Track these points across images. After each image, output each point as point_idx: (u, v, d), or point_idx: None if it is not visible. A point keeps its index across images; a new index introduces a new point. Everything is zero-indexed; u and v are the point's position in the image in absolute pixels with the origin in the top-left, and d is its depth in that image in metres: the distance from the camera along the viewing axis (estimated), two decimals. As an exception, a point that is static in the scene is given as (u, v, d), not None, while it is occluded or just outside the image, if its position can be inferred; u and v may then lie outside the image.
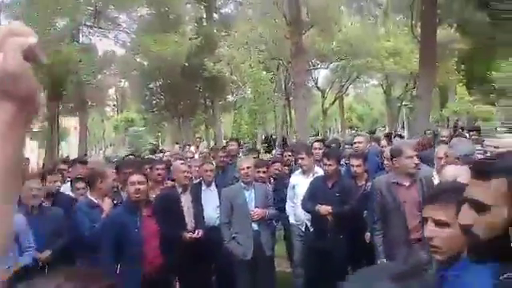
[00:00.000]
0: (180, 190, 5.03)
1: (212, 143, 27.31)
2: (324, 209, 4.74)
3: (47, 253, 4.08)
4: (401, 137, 8.35)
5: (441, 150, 4.63)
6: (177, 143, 18.59)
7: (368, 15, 24.89)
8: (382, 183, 4.20)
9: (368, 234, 4.98)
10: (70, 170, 6.48)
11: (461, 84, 25.04)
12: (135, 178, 3.95)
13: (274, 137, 24.98)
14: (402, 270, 0.88)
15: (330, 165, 4.86)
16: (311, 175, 5.38)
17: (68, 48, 16.47)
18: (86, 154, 20.00)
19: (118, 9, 21.90)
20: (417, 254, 3.83)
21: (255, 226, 4.76)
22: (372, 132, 19.81)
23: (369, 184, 5.05)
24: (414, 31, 15.50)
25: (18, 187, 0.77)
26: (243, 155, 7.75)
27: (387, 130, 27.43)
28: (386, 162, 5.10)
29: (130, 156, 10.76)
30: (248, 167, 4.78)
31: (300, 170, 5.61)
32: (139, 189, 3.87)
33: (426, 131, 8.94)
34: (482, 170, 1.28)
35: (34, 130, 28.90)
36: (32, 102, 0.74)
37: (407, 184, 4.08)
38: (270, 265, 5.01)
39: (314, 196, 4.92)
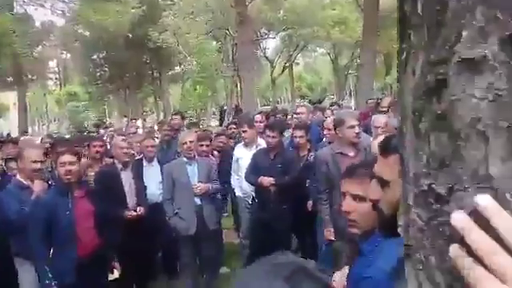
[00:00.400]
0: (120, 166, 4.88)
1: (162, 116, 26.80)
2: (266, 180, 4.75)
3: None
4: (339, 106, 8.41)
5: (377, 120, 4.70)
6: (125, 116, 18.04)
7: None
8: (327, 154, 4.21)
9: (310, 203, 5.06)
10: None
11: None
12: (65, 158, 3.73)
13: (225, 108, 24.78)
14: (294, 269, 0.85)
15: (272, 136, 4.84)
16: (254, 147, 5.36)
17: (1, 18, 15.34)
18: (25, 131, 19.04)
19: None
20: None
21: (198, 201, 4.69)
22: (320, 101, 20.04)
23: (311, 154, 5.05)
24: (358, 0, 15.59)
25: None
26: (186, 129, 7.58)
27: (335, 99, 27.91)
28: (325, 131, 5.11)
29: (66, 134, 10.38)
30: (190, 141, 4.67)
31: (243, 142, 5.58)
32: (70, 170, 3.67)
33: (367, 100, 9.09)
34: (385, 146, 1.30)
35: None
36: None
37: (352, 154, 4.09)
38: (216, 238, 4.99)
39: (256, 168, 4.92)
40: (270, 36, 26.06)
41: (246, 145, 5.49)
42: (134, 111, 26.66)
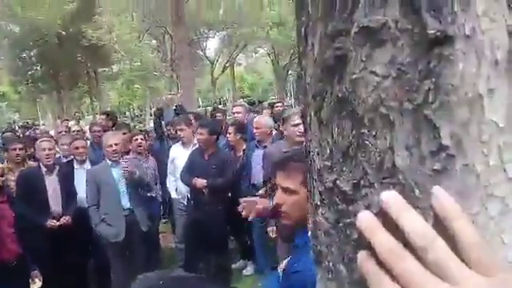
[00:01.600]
0: (45, 170, 4.58)
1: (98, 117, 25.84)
2: (199, 182, 4.66)
3: None
4: (273, 107, 8.40)
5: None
6: (59, 118, 17.19)
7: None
8: (275, 153, 4.18)
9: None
10: None
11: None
12: None
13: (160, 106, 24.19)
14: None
15: (200, 133, 4.74)
16: (191, 147, 5.23)
17: None
18: None
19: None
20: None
21: (127, 205, 4.49)
22: (261, 102, 20.13)
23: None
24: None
25: None
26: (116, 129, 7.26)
27: (276, 100, 28.17)
28: (254, 130, 5.12)
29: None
30: (115, 144, 4.44)
31: (180, 141, 5.46)
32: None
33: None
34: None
35: None
36: None
37: None
38: (150, 242, 4.80)
39: (191, 168, 4.83)
40: (210, 35, 25.91)
41: (183, 144, 5.37)
42: (69, 112, 25.47)
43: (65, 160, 5.43)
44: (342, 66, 0.45)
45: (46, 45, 24.14)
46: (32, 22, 19.32)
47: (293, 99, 25.75)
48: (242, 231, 5.40)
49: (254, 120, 5.41)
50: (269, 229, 4.32)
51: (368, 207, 0.44)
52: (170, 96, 8.75)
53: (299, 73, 0.56)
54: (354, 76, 0.43)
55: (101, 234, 4.40)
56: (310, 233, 0.60)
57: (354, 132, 0.45)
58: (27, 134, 11.76)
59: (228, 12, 21.09)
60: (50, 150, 4.62)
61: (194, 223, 4.83)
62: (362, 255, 0.42)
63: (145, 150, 5.51)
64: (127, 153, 5.34)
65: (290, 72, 30.60)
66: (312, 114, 0.51)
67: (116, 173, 4.45)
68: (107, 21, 20.15)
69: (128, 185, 4.45)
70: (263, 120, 5.24)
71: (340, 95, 0.45)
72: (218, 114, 8.58)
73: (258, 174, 4.80)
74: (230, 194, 4.95)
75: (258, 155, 4.84)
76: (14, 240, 3.66)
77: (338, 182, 0.47)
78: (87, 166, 5.06)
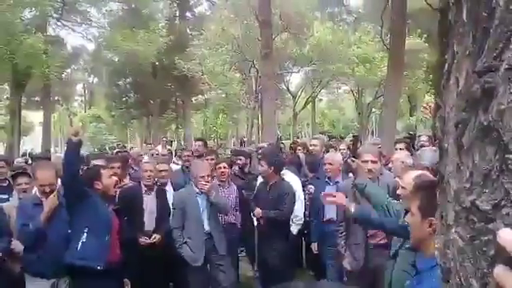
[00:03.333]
0: (144, 189, 4.96)
1: (182, 143, 27.01)
2: (256, 211, 4.81)
3: None
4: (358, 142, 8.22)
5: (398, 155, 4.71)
6: (145, 142, 18.25)
7: (340, 22, 25.11)
8: (347, 186, 4.20)
9: (315, 245, 5.22)
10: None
11: (428, 93, 25.57)
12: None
13: (244, 139, 24.87)
14: None
15: (261, 165, 4.88)
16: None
17: (32, 39, 15.88)
18: (48, 150, 19.40)
19: (88, 2, 21.35)
20: (373, 258, 3.94)
21: (207, 228, 4.63)
22: (342, 137, 19.92)
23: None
24: (383, 39, 15.67)
25: None
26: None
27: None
28: (326, 166, 5.12)
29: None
30: (208, 175, 4.59)
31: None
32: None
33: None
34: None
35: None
36: None
37: None
38: (228, 266, 4.81)
39: (256, 198, 5.00)
40: (294, 70, 26.36)
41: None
42: (155, 137, 26.96)
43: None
44: (489, 98, 0.50)
45: (141, 74, 26.00)
46: (130, 52, 20.87)
47: (374, 136, 25.16)
48: (318, 265, 5.38)
49: (326, 156, 5.44)
50: (344, 262, 4.23)
51: (508, 226, 0.47)
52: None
53: (436, 104, 0.62)
54: (502, 107, 0.48)
55: (182, 257, 4.53)
56: (437, 252, 0.64)
57: (497, 157, 0.49)
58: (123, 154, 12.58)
59: (314, 48, 21.38)
60: (151, 171, 4.97)
61: (261, 253, 4.93)
62: (499, 269, 0.46)
63: (228, 177, 5.65)
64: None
65: (373, 110, 30.10)
66: (451, 140, 0.57)
67: (201, 199, 4.61)
68: (198, 53, 21.29)
69: (209, 209, 4.60)
70: (334, 156, 5.22)
71: (485, 123, 0.50)
72: (298, 148, 8.64)
73: (330, 211, 4.80)
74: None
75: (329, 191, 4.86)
76: (118, 246, 3.93)
77: (477, 202, 0.52)
78: (169, 188, 5.34)
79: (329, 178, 5.07)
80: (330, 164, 5.01)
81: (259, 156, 5.56)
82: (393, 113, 12.10)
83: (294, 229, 5.18)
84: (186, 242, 4.55)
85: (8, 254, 3.99)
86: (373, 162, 4.06)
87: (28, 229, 3.72)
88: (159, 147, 13.47)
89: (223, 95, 20.97)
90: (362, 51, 21.46)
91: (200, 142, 7.60)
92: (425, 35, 21.39)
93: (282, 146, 9.42)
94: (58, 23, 21.85)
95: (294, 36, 20.47)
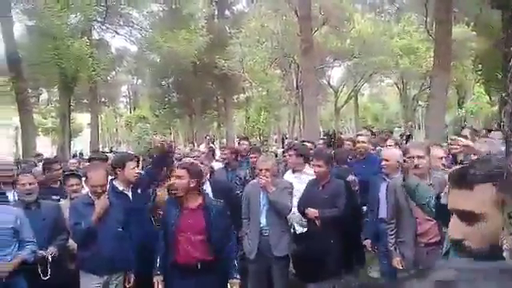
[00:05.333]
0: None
1: (224, 141, 27.27)
2: (311, 212, 4.64)
3: (53, 249, 4.05)
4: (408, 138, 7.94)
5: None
6: (188, 141, 18.51)
7: (382, 13, 24.49)
8: (397, 184, 4.06)
9: (369, 241, 5.07)
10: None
11: (478, 83, 24.51)
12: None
13: (287, 136, 24.78)
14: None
15: (317, 166, 4.73)
16: (299, 174, 5.33)
17: (79, 43, 16.44)
18: (96, 151, 20.02)
19: (130, 5, 21.88)
20: (424, 257, 3.80)
21: (264, 225, 4.59)
22: (390, 132, 19.25)
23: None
24: (428, 29, 15.12)
25: None
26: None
27: (403, 131, 27.02)
28: (383, 162, 4.92)
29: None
30: (266, 169, 4.54)
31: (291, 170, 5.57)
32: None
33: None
34: (464, 178, 1.23)
35: (47, 126, 29.20)
36: None
37: None
38: (280, 266, 4.69)
39: (306, 198, 4.84)
40: (336, 64, 25.99)
41: (294, 171, 5.47)
42: (198, 136, 27.36)
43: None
44: None
45: (183, 74, 26.41)
46: (172, 52, 21.21)
47: (422, 131, 24.41)
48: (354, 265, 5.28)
49: (383, 152, 5.24)
50: (393, 262, 4.08)
51: None
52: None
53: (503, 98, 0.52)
54: None
55: (243, 247, 4.63)
56: (506, 253, 0.54)
57: None
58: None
59: (355, 41, 20.95)
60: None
61: (307, 254, 4.79)
62: None
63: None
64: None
65: (419, 102, 29.22)
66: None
67: (263, 194, 4.60)
68: (238, 51, 21.36)
69: (267, 205, 4.57)
70: (393, 152, 5.02)
71: None
72: (347, 143, 8.48)
73: (383, 209, 4.64)
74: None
75: (383, 189, 4.72)
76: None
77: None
78: (207, 187, 5.33)
79: (387, 174, 4.89)
80: (387, 160, 4.82)
81: (294, 151, 5.48)
82: (441, 105, 11.67)
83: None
84: (247, 234, 4.63)
85: (64, 251, 4.16)
86: (420, 157, 3.90)
87: (80, 227, 3.84)
88: (202, 146, 13.62)
89: (264, 92, 20.91)
90: (407, 42, 20.80)
91: (245, 141, 7.63)
92: (472, 23, 20.49)
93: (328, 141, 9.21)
94: (103, 27, 22.52)
95: (334, 29, 20.16)
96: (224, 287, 3.97)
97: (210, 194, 4.87)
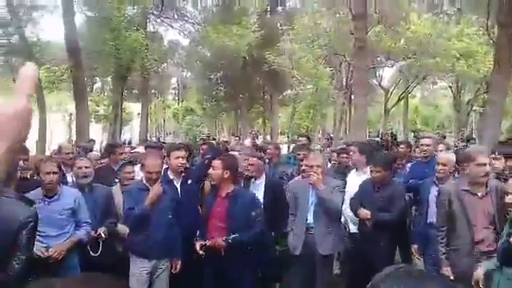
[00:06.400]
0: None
1: (268, 137, 27.29)
2: (363, 213, 4.61)
3: (103, 229, 4.26)
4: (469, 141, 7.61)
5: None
6: (233, 135, 18.64)
7: (440, 13, 23.59)
8: (452, 190, 3.94)
9: (415, 247, 4.99)
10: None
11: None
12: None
13: (331, 136, 24.48)
14: None
15: (376, 171, 4.70)
16: (363, 172, 5.30)
17: (135, 35, 16.93)
18: (146, 140, 20.57)
19: (185, -1, 22.30)
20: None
21: (311, 222, 4.58)
22: (443, 137, 18.55)
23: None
24: (489, 32, 14.44)
25: None
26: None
27: (454, 136, 26.07)
28: (439, 167, 4.75)
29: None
30: (317, 166, 4.55)
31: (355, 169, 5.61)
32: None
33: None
34: None
35: (100, 114, 30.28)
36: (20, 146, 0.82)
37: (480, 194, 3.81)
38: (324, 265, 4.70)
39: (359, 197, 4.85)
40: (388, 64, 25.35)
41: (356, 170, 5.51)
42: (243, 130, 27.53)
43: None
44: None
45: (231, 68, 26.60)
46: (222, 47, 21.39)
47: (476, 136, 23.46)
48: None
49: (439, 156, 5.08)
50: (443, 270, 3.95)
51: None
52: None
53: None
54: None
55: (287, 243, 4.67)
56: None
57: None
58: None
59: (410, 41, 20.31)
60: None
61: (356, 255, 4.77)
62: None
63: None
64: None
65: (474, 107, 28.05)
66: None
67: (312, 191, 4.59)
68: (289, 48, 21.27)
69: (315, 203, 4.54)
70: (450, 157, 4.88)
71: None
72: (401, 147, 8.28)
73: (432, 213, 4.57)
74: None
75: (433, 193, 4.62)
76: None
77: None
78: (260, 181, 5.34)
79: (440, 178, 4.73)
80: (444, 165, 4.68)
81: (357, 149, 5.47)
82: (498, 111, 11.17)
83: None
84: (292, 230, 4.65)
85: (113, 234, 4.33)
86: (489, 164, 3.79)
87: (134, 212, 3.98)
88: (247, 140, 13.69)
89: (313, 90, 20.71)
90: (465, 45, 19.93)
91: (304, 138, 7.70)
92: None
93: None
94: (158, 20, 23.05)
95: (389, 29, 19.64)
96: (250, 276, 4.09)
97: (263, 189, 4.94)
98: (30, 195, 3.36)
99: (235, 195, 4.10)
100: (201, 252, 3.97)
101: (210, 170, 4.19)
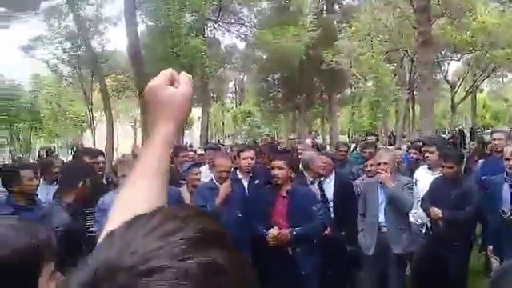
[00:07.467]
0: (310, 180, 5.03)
1: (328, 138, 26.98)
2: (435, 212, 4.38)
3: None
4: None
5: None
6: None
7: (508, 1, 22.22)
8: None
9: (490, 248, 4.55)
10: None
11: None
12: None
13: (394, 133, 23.80)
14: None
15: (448, 167, 4.44)
16: (437, 172, 4.95)
17: (194, 41, 17.38)
18: (207, 143, 20.98)
19: (241, 3, 22.54)
20: None
21: (382, 221, 4.45)
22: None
23: None
24: None
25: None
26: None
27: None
28: (506, 162, 4.43)
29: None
30: (385, 163, 4.44)
31: (426, 165, 5.31)
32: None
33: None
34: None
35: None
36: (182, 123, 0.96)
37: None
38: (398, 264, 4.53)
39: (431, 196, 4.61)
40: (454, 58, 24.23)
41: (429, 168, 5.20)
42: (301, 131, 27.38)
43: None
44: None
45: (288, 70, 26.54)
46: (279, 49, 21.41)
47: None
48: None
49: (506, 150, 4.75)
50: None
51: None
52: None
53: None
54: None
55: (359, 244, 4.59)
56: None
57: None
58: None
59: (477, 33, 19.28)
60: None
61: (428, 256, 4.54)
62: None
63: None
64: None
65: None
66: None
67: (381, 190, 4.49)
68: (347, 46, 20.91)
69: (386, 201, 4.42)
70: None
71: None
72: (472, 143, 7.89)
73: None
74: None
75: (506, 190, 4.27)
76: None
77: None
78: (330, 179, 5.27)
79: (509, 174, 4.43)
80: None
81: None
82: None
83: None
84: (362, 230, 4.57)
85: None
86: None
87: (205, 209, 4.05)
88: (308, 140, 13.60)
89: (373, 87, 20.21)
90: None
91: (373, 137, 7.56)
92: None
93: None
94: (215, 25, 23.49)
95: (453, 20, 18.75)
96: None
97: (332, 188, 4.88)
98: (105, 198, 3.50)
99: (295, 192, 4.10)
100: (271, 242, 3.91)
101: (276, 171, 4.12)
